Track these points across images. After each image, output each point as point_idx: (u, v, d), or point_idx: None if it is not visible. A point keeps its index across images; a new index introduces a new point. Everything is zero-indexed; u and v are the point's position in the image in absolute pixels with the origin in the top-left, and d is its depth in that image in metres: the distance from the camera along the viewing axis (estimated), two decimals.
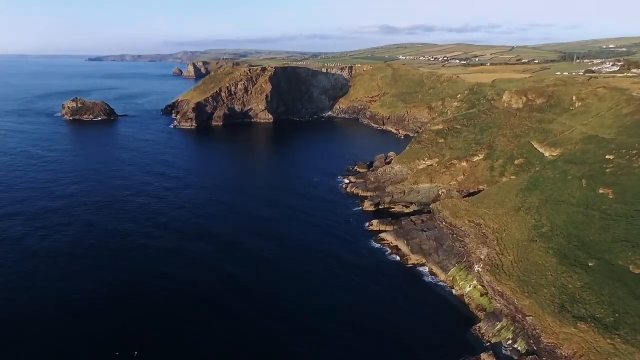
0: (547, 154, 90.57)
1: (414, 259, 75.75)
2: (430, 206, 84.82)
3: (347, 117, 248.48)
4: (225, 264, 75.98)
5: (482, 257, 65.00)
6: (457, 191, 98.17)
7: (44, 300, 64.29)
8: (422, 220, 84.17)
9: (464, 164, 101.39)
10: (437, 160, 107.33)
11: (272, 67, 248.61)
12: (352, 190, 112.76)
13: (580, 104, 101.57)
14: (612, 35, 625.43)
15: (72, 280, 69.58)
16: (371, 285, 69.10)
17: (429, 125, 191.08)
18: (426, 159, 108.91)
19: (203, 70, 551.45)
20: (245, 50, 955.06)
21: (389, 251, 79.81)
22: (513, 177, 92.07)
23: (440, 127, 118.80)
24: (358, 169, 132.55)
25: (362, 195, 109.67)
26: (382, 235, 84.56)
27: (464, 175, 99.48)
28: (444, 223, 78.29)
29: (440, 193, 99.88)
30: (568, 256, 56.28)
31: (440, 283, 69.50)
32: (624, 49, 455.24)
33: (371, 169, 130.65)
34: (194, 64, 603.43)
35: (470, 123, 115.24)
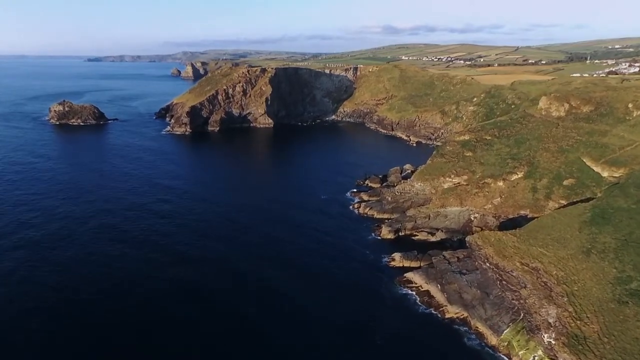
0: (605, 174, 75.08)
1: (451, 312, 60.03)
2: (467, 239, 69.11)
3: (351, 121, 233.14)
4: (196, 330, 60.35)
5: (551, 320, 49.37)
6: (492, 216, 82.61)
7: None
8: (458, 258, 68.44)
9: (500, 183, 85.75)
10: (465, 177, 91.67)
11: (272, 68, 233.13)
12: (366, 211, 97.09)
13: (639, 112, 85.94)
14: (616, 36, 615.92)
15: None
16: (400, 352, 53.53)
17: (446, 133, 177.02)
18: (452, 176, 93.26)
19: (201, 71, 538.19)
20: (245, 51, 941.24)
21: (418, 298, 64.05)
22: (562, 202, 76.65)
23: (466, 137, 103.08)
24: (370, 184, 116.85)
25: (378, 217, 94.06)
26: (408, 275, 68.80)
27: (501, 197, 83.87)
28: (488, 264, 62.65)
29: (472, 218, 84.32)
30: None
31: (490, 349, 53.78)
32: (630, 49, 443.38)
33: (385, 184, 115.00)
34: (192, 65, 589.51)
35: (501, 133, 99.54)
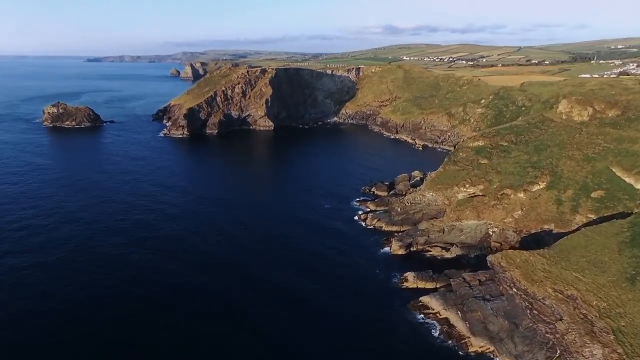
0: (639, 186, 68.28)
1: (475, 345, 53.24)
2: (488, 259, 62.23)
3: (354, 122, 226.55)
4: None
5: None
6: (513, 231, 75.83)
7: None
8: (480, 281, 61.59)
9: (521, 194, 78.90)
10: (481, 187, 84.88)
11: (272, 69, 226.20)
12: (374, 222, 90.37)
13: None
14: (618, 36, 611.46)
15: None
16: None
17: (453, 136, 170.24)
18: (467, 186, 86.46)
19: (201, 71, 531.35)
20: (245, 51, 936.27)
21: (437, 327, 57.30)
22: (592, 216, 69.90)
23: (480, 143, 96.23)
24: (376, 192, 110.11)
25: (387, 229, 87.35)
26: (424, 299, 61.99)
27: (522, 210, 77.02)
28: (514, 289, 55.84)
29: (490, 232, 77.53)
30: None
31: None
32: (634, 49, 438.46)
33: (392, 192, 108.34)
34: (191, 65, 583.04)
35: (519, 139, 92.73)
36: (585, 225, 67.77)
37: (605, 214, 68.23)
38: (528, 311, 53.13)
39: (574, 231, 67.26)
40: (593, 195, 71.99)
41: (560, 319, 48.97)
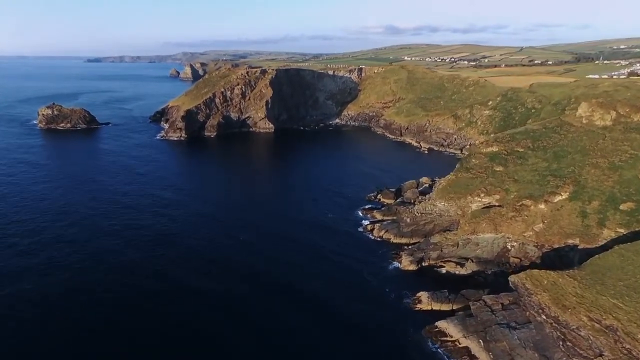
0: None
1: None
2: (511, 280, 56.37)
3: (356, 124, 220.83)
4: None
5: None
6: (534, 245, 69.94)
7: None
8: (503, 305, 55.69)
9: (541, 205, 72.94)
10: (497, 197, 78.98)
11: (272, 69, 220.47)
12: (381, 233, 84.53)
13: None
14: (620, 36, 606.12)
15: None
16: None
17: (459, 139, 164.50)
18: (482, 195, 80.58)
19: (201, 72, 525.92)
20: (245, 51, 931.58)
21: (457, 358, 51.39)
22: (622, 230, 64.09)
23: (494, 148, 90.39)
24: (382, 199, 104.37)
25: (395, 242, 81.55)
26: (441, 324, 56.10)
27: (543, 223, 71.10)
28: (544, 315, 49.99)
29: (509, 247, 71.65)
30: None
31: None
32: (637, 49, 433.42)
33: (399, 199, 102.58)
34: (191, 65, 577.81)
35: (536, 145, 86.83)
36: (614, 240, 62.08)
37: (636, 229, 62.48)
38: (560, 342, 47.29)
39: (603, 247, 61.71)
40: (622, 207, 66.18)
41: (600, 355, 43.17)
